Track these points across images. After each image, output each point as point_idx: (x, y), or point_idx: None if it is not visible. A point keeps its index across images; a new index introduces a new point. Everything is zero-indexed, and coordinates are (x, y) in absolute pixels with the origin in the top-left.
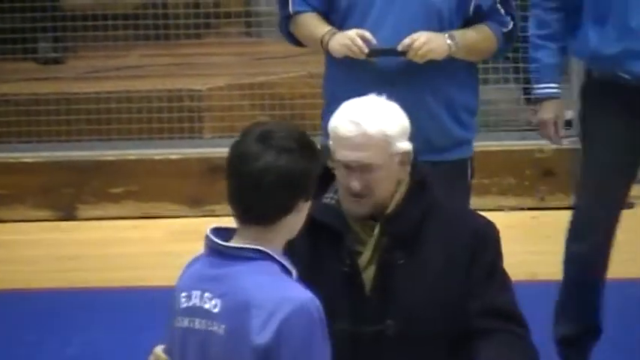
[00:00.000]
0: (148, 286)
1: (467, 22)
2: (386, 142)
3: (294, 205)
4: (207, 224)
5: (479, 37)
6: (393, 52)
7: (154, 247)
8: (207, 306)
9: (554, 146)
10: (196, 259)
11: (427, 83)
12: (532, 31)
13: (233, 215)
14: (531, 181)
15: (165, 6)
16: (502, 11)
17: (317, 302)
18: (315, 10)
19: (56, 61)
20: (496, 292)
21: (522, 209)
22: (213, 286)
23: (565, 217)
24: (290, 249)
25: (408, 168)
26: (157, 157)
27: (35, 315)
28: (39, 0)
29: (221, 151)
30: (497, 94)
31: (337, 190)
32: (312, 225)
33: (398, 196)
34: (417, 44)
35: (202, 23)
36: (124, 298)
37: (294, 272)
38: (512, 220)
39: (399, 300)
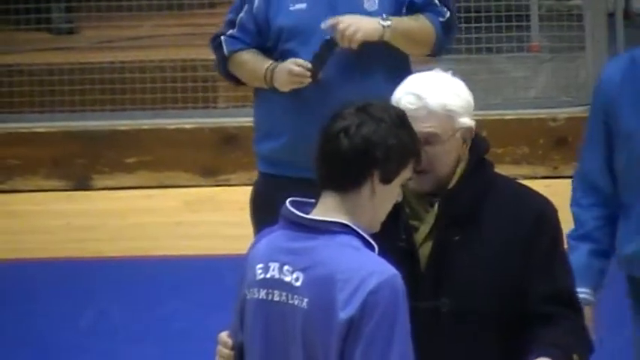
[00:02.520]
0: (162, 256)
1: None
2: (448, 116)
3: (367, 176)
4: (221, 194)
5: (415, 24)
6: (326, 48)
7: (168, 217)
8: (287, 279)
9: (567, 115)
10: (270, 231)
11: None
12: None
13: (318, 184)
14: (545, 150)
15: None
16: (437, 2)
17: (400, 279)
18: (249, 45)
19: (70, 32)
20: (557, 276)
21: (536, 178)
22: (294, 259)
23: None
24: None
25: (469, 144)
26: (171, 127)
27: (49, 285)
28: None
29: (235, 120)
30: (509, 63)
31: None
32: None
33: (459, 172)
34: (342, 26)
35: None
36: (138, 267)
37: (376, 247)
38: None
39: (454, 277)
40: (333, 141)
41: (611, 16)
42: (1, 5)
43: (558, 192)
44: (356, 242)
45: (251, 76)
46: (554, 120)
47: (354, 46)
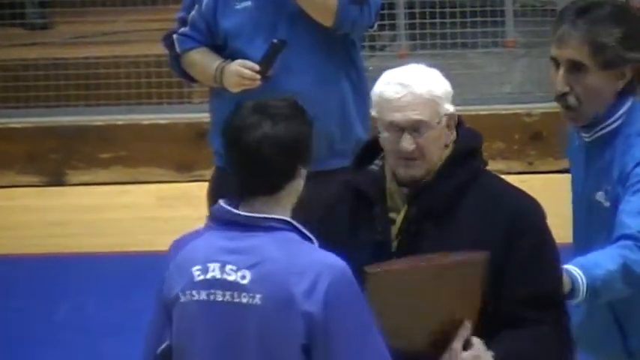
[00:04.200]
0: (136, 251)
1: None
2: (434, 101)
3: (295, 171)
4: (195, 189)
5: None
6: (275, 49)
7: (143, 213)
8: (231, 278)
9: (542, 110)
10: (197, 233)
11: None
12: None
13: (239, 186)
14: (520, 145)
15: None
16: None
17: (349, 270)
18: (201, 43)
19: (44, 27)
20: (537, 280)
21: (511, 173)
22: (238, 258)
23: (554, 180)
24: (330, 215)
25: (454, 132)
26: (145, 122)
27: (22, 281)
28: None
29: (210, 116)
30: (484, 58)
31: (384, 157)
32: (353, 191)
33: (439, 164)
34: None
35: None
36: (112, 263)
37: (314, 240)
38: None
39: None
40: (255, 150)
41: None
42: None
43: (533, 187)
44: (297, 237)
45: (202, 76)
46: (529, 115)
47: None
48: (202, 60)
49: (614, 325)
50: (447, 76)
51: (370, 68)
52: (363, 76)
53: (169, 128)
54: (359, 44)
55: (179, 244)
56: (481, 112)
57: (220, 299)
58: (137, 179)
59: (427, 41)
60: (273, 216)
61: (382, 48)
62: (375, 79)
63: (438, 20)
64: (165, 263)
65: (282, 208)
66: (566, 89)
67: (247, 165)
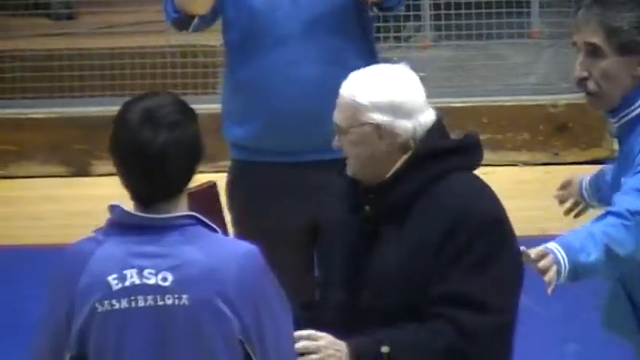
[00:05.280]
0: None
1: None
2: (354, 107)
3: (194, 172)
4: (218, 179)
5: None
6: None
7: None
8: (151, 281)
9: (567, 101)
10: (97, 242)
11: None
12: None
13: (137, 196)
14: (545, 136)
15: None
16: None
17: (258, 250)
18: None
19: (69, 17)
20: (455, 280)
21: (536, 164)
22: (155, 261)
23: (579, 171)
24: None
25: (393, 142)
26: None
27: (47, 271)
28: None
29: (222, 107)
30: (510, 49)
31: None
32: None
33: (397, 167)
34: None
35: None
36: None
37: (219, 230)
38: (526, 175)
39: (370, 271)
40: (159, 160)
41: None
42: None
43: (558, 178)
44: (206, 230)
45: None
46: (554, 106)
47: None
48: None
49: (631, 307)
50: (472, 67)
51: (394, 59)
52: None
53: None
54: (373, 34)
55: (78, 252)
56: (506, 103)
57: (143, 304)
58: None
59: (452, 32)
60: (180, 213)
61: (407, 39)
62: None
63: (463, 11)
64: (61, 267)
65: (180, 204)
66: (584, 74)
67: (149, 175)
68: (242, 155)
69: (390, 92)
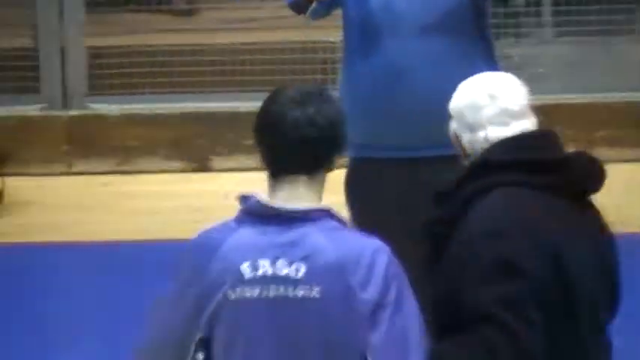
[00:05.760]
0: None
1: None
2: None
3: (334, 155)
4: (337, 175)
5: None
6: None
7: None
8: (284, 272)
9: None
10: (229, 228)
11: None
12: None
13: (276, 165)
14: None
15: None
16: None
17: (388, 247)
18: None
19: (189, 13)
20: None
21: None
22: (288, 251)
23: None
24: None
25: (460, 150)
26: None
27: (169, 266)
28: None
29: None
30: (630, 44)
31: None
32: None
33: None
34: None
35: None
36: None
37: (348, 224)
38: None
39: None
40: (302, 128)
41: None
42: None
43: None
44: (337, 224)
45: None
46: None
47: None
48: None
49: None
50: (591, 63)
51: (514, 56)
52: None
53: None
54: (490, 32)
55: (209, 239)
56: (627, 99)
57: (274, 294)
58: None
59: (571, 28)
60: (313, 207)
61: (527, 35)
62: (519, 67)
63: (583, 7)
64: (192, 252)
65: (314, 194)
66: None
67: (297, 155)
68: (360, 153)
69: (460, 102)
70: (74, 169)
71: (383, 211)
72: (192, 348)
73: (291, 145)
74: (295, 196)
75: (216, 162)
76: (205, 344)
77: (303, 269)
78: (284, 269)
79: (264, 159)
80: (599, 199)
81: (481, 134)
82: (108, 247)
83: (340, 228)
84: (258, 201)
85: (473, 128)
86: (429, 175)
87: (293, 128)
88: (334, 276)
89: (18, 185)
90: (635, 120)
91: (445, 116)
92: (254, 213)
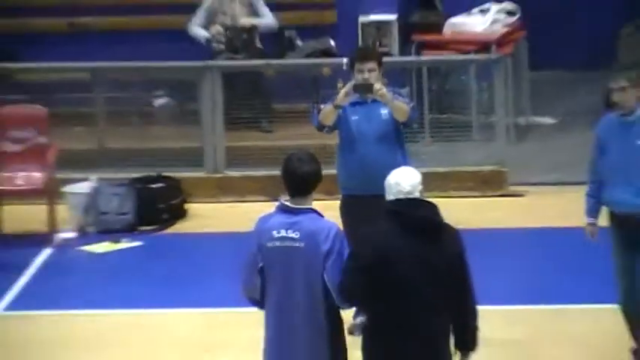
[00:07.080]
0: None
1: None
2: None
3: (315, 186)
4: (335, 204)
5: (403, 104)
6: (366, 87)
7: None
8: (290, 235)
9: None
10: (269, 215)
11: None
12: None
13: (290, 192)
14: None
15: None
16: (406, 98)
17: (339, 227)
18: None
19: None
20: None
21: None
22: (292, 226)
23: None
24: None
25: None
26: None
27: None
28: None
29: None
30: None
31: None
32: None
33: None
34: (377, 86)
35: None
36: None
37: (324, 216)
38: None
39: None
40: (301, 172)
41: None
42: None
43: None
44: (317, 215)
45: (324, 113)
46: None
47: (380, 98)
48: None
49: None
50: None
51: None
52: (405, 153)
53: None
54: (403, 137)
55: (262, 220)
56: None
57: (285, 245)
58: None
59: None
60: (306, 207)
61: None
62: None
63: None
64: (256, 227)
65: (308, 202)
66: None
67: (298, 182)
68: (345, 192)
69: (386, 181)
70: None
71: (359, 219)
72: (257, 274)
73: (295, 180)
74: (298, 203)
75: None
76: (260, 272)
77: (299, 234)
78: (291, 234)
79: (286, 187)
80: None
81: (391, 197)
82: None
83: (318, 218)
84: (283, 203)
85: (389, 193)
86: (378, 203)
87: (296, 173)
88: (311, 238)
89: None
90: None
91: (384, 178)
92: (280, 208)
